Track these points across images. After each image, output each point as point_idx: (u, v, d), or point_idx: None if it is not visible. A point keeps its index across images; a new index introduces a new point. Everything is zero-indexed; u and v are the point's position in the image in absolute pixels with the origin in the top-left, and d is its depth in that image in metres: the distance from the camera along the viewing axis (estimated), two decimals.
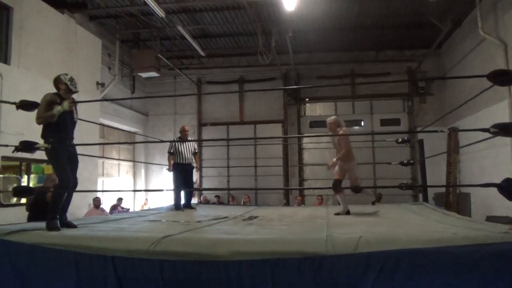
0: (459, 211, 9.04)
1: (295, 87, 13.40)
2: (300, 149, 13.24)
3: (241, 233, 3.55)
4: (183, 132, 6.78)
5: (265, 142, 12.62)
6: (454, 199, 10.33)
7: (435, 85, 12.55)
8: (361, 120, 13.10)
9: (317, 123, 13.18)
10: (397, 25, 10.94)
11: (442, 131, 9.42)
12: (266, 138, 12.45)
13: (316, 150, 12.99)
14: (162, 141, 6.80)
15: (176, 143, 6.62)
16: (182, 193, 6.61)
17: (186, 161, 6.59)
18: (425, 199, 8.28)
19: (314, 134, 12.78)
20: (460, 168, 10.93)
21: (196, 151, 6.80)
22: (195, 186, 12.96)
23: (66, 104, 3.75)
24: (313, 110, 13.58)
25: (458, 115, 10.32)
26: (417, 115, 12.56)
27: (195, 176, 12.08)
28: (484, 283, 2.41)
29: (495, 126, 3.06)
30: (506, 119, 7.61)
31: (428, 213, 5.35)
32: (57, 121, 3.78)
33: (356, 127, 13.06)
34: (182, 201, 6.56)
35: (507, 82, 3.20)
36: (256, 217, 5.08)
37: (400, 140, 7.15)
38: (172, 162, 6.65)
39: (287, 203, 12.22)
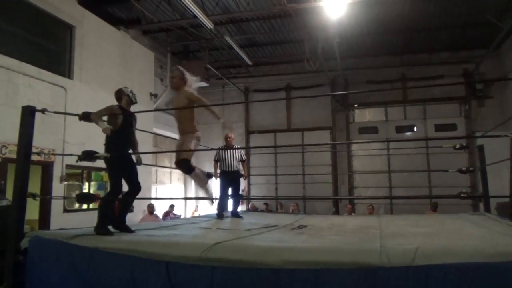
0: None
1: (343, 92, 13.18)
2: (350, 156, 12.94)
3: (292, 241, 3.52)
4: (227, 140, 6.77)
5: (313, 149, 12.47)
6: None
7: (494, 87, 11.76)
8: (413, 126, 12.58)
9: (367, 129, 12.84)
10: (451, 25, 10.43)
11: (506, 135, 8.78)
12: (313, 145, 12.33)
13: (366, 157, 12.65)
14: (211, 149, 6.87)
15: (221, 151, 6.63)
16: (230, 201, 6.64)
17: (232, 169, 6.54)
18: (487, 209, 7.72)
19: (363, 141, 12.46)
20: None
21: (244, 158, 6.78)
22: (243, 194, 13.08)
23: (107, 129, 3.91)
24: (363, 116, 13.25)
25: None
26: (475, 120, 11.83)
27: (243, 184, 12.18)
28: None
29: None
30: None
31: (491, 224, 4.98)
32: (118, 131, 3.99)
33: (409, 133, 12.55)
34: (227, 209, 6.55)
35: None
36: (305, 226, 5.02)
37: (458, 146, 6.75)
38: (218, 170, 6.66)
39: (337, 212, 11.97)
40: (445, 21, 10.22)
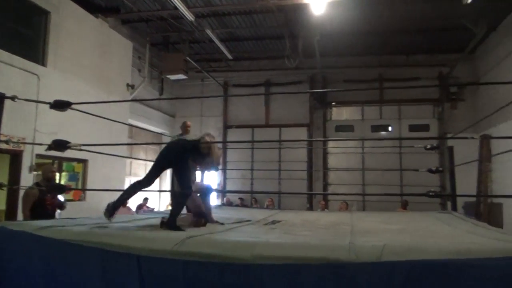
0: (490, 222, 8.70)
1: (321, 90, 13.32)
2: (325, 153, 13.12)
3: (264, 237, 3.55)
4: (185, 128, 6.05)
5: (290, 145, 12.58)
6: (485, 210, 9.95)
7: (467, 90, 12.16)
8: (388, 125, 12.85)
9: (343, 128, 13.05)
10: (428, 28, 10.68)
11: (473, 137, 9.13)
12: (291, 141, 12.42)
13: (342, 154, 12.86)
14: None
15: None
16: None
17: None
18: (454, 208, 8.01)
19: (339, 138, 12.66)
20: (492, 177, 10.52)
21: None
22: (219, 187, 13.06)
23: None
24: (339, 114, 13.45)
25: (491, 122, 9.95)
26: (447, 121, 12.21)
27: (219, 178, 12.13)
28: None
29: None
30: None
31: (457, 223, 5.17)
32: None
33: (384, 132, 12.82)
34: None
35: None
36: (279, 221, 5.07)
37: (429, 146, 6.97)
38: None
39: (311, 208, 12.13)
40: (422, 24, 10.45)
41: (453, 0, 8.51)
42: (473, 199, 10.56)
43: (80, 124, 7.72)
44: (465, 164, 7.80)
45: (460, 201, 10.71)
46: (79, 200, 8.62)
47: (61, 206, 5.54)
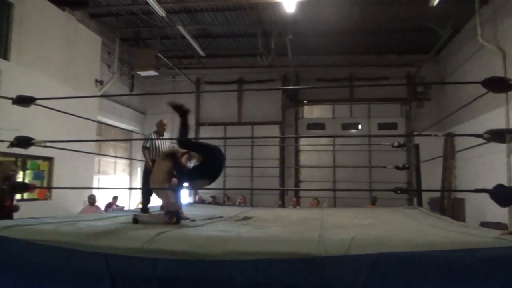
0: (453, 216, 9.05)
1: (293, 87, 13.44)
2: (297, 151, 13.28)
3: (235, 232, 3.56)
4: (161, 127, 6.19)
5: (262, 143, 12.63)
6: (449, 204, 10.35)
7: (433, 90, 12.60)
8: (358, 124, 13.14)
9: (315, 125, 13.24)
10: (397, 30, 10.97)
11: (436, 135, 9.49)
12: (263, 138, 12.46)
13: (313, 152, 13.04)
14: (159, 139, 6.53)
15: (153, 138, 6.06)
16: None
17: None
18: (420, 203, 8.30)
19: (311, 136, 12.84)
20: (456, 173, 10.97)
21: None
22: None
23: None
24: (311, 112, 13.63)
25: (456, 121, 10.37)
26: (414, 120, 12.61)
27: None
28: (474, 287, 2.43)
29: (488, 132, 3.09)
30: (502, 126, 7.65)
31: (422, 217, 5.37)
32: None
33: (354, 130, 13.11)
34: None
35: (502, 89, 3.23)
36: (250, 217, 5.10)
37: (396, 144, 7.18)
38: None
39: (283, 205, 12.23)
40: (391, 25, 10.73)
41: (421, 3, 8.80)
42: (438, 194, 10.97)
43: (46, 120, 7.45)
44: (430, 161, 8.11)
45: (425, 197, 11.12)
46: (44, 199, 8.33)
47: (16, 208, 5.25)
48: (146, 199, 5.96)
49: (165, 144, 6.15)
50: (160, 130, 6.29)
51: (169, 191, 4.35)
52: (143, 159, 5.92)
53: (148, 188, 5.30)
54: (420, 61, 12.14)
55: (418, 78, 12.59)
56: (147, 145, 6.00)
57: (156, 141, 6.01)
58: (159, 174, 4.39)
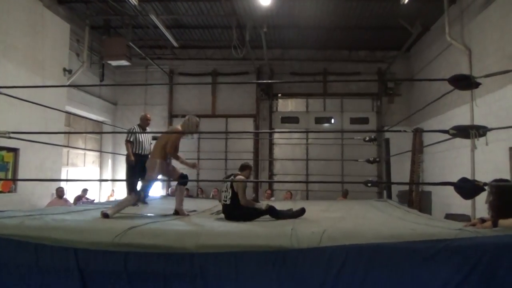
0: (420, 208, 9.42)
1: (267, 81, 13.45)
2: (271, 144, 13.34)
3: (209, 226, 3.56)
4: (145, 121, 6.37)
5: (237, 136, 12.61)
6: (416, 197, 10.74)
7: (403, 86, 12.93)
8: (331, 118, 13.33)
9: (289, 119, 13.33)
10: (369, 26, 11.15)
11: (405, 131, 9.77)
12: (238, 133, 12.45)
13: (287, 145, 13.15)
14: (130, 132, 6.44)
15: (136, 132, 6.17)
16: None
17: (146, 152, 6.13)
18: (389, 196, 8.55)
19: (285, 130, 12.92)
20: (423, 167, 11.36)
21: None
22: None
23: None
24: (285, 106, 13.70)
25: (424, 117, 10.70)
26: (385, 115, 12.92)
27: None
28: (439, 276, 2.54)
29: (454, 128, 3.21)
30: (467, 122, 7.96)
31: (391, 210, 5.54)
32: None
33: (327, 124, 13.29)
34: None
35: (467, 86, 3.35)
36: None
37: (367, 138, 7.35)
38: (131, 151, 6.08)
39: (256, 197, 12.27)
40: (364, 21, 10.89)
41: (393, 0, 8.97)
42: (407, 187, 11.36)
43: (10, 110, 7.14)
44: (400, 155, 8.37)
45: (394, 190, 11.49)
46: (9, 192, 8.01)
47: None
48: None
49: (148, 138, 6.22)
50: (143, 124, 6.38)
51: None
52: (123, 153, 5.88)
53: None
54: (391, 57, 12.42)
55: (389, 74, 12.88)
56: (131, 139, 6.08)
57: (139, 135, 6.09)
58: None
